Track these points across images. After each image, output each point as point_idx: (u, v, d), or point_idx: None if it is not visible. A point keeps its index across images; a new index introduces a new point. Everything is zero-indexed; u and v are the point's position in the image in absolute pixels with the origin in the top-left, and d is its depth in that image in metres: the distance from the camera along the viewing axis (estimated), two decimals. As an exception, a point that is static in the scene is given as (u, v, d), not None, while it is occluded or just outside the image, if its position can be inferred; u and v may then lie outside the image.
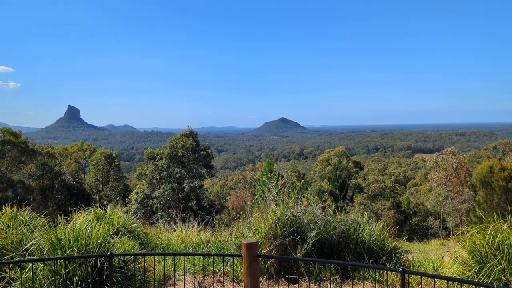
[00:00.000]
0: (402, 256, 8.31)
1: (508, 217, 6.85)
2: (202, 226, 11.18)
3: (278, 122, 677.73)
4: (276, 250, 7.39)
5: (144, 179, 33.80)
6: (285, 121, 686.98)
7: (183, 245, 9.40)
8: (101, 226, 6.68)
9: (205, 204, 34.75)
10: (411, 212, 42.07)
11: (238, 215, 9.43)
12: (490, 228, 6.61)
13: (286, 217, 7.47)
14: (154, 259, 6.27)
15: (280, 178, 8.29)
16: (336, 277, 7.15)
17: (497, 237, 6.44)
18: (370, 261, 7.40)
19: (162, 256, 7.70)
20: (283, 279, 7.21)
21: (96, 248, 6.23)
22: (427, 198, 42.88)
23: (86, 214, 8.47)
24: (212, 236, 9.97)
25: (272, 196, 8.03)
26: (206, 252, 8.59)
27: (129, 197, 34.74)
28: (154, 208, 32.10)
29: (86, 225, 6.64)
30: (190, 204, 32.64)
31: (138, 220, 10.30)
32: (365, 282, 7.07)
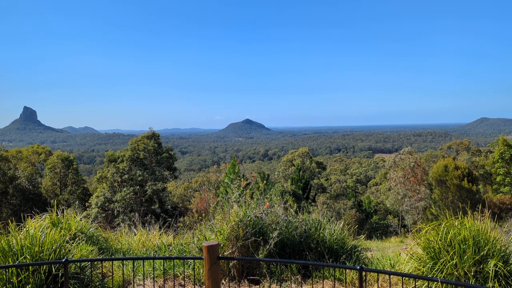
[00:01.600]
0: (362, 254, 8.52)
1: (460, 214, 7.18)
2: (164, 229, 11.02)
3: (243, 124, 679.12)
4: (238, 251, 7.40)
5: (104, 182, 32.89)
6: (250, 123, 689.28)
7: (144, 249, 9.22)
8: (57, 232, 6.45)
9: (169, 207, 34.24)
10: (371, 211, 43.25)
11: (200, 217, 9.36)
12: (443, 225, 6.89)
13: (249, 218, 7.49)
14: (113, 264, 6.11)
15: (242, 179, 8.31)
16: (298, 276, 7.24)
17: (449, 233, 6.72)
18: (331, 260, 7.54)
19: (122, 261, 7.52)
20: (246, 280, 7.22)
21: (51, 255, 6.01)
22: (387, 197, 44.24)
23: (41, 220, 8.15)
24: (174, 239, 9.84)
25: (235, 197, 8.04)
26: (167, 255, 8.46)
27: (89, 201, 33.67)
28: (115, 212, 31.29)
29: (41, 231, 6.39)
30: (153, 207, 32.05)
31: (98, 224, 10.01)
32: (326, 280, 7.20)
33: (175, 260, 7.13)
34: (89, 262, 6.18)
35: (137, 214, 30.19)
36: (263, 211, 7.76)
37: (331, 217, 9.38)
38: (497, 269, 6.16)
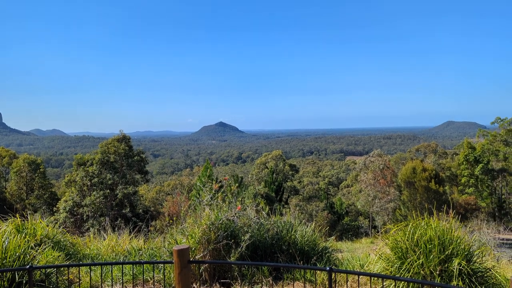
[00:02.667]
0: (332, 255, 8.63)
1: (426, 215, 7.38)
2: (135, 234, 10.83)
3: (216, 127, 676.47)
4: (210, 254, 7.36)
5: (73, 186, 32.08)
6: (223, 125, 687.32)
7: (114, 254, 9.04)
8: (21, 238, 6.24)
9: (140, 210, 33.73)
10: (343, 212, 43.92)
11: (171, 221, 9.26)
12: (410, 226, 7.06)
13: (220, 222, 7.46)
14: (80, 270, 5.96)
15: (214, 182, 8.28)
16: (269, 279, 7.26)
17: (416, 233, 6.89)
18: (302, 261, 7.61)
19: (89, 267, 7.34)
20: (217, 284, 7.19)
21: (14, 262, 5.80)
22: (358, 199, 45.05)
23: (5, 226, 7.86)
24: (144, 244, 9.69)
25: (206, 200, 8.00)
26: (137, 260, 8.32)
27: (57, 206, 32.76)
28: (84, 216, 30.56)
29: (4, 238, 6.16)
30: (123, 211, 31.49)
31: (66, 229, 9.74)
32: (297, 282, 7.25)
33: (145, 265, 7.02)
34: (55, 269, 6.00)
35: (107, 219, 29.57)
36: (235, 214, 7.75)
37: (304, 219, 9.47)
38: (461, 267, 6.35)
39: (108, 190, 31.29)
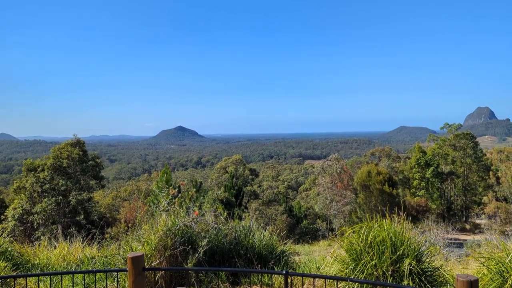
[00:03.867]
0: (290, 259, 8.73)
1: (379, 217, 7.62)
2: (89, 242, 10.46)
3: (175, 131, 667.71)
4: (166, 261, 7.24)
5: (23, 193, 30.55)
6: (182, 130, 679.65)
7: (65, 263, 8.69)
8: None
9: (95, 217, 32.62)
10: (302, 216, 44.50)
11: (126, 228, 9.04)
12: (364, 228, 7.26)
13: (177, 227, 7.36)
14: (27, 281, 5.68)
15: (171, 188, 8.16)
16: (227, 284, 7.23)
17: (369, 235, 7.09)
18: (259, 265, 7.63)
19: (38, 277, 7.01)
20: (174, 291, 7.08)
21: (-46, 275, 5.44)
22: (316, 202, 45.87)
23: None
24: (98, 252, 9.38)
25: (163, 206, 7.87)
26: (90, 269, 8.04)
27: (5, 214, 31.05)
28: (35, 224, 29.17)
29: None
30: (77, 218, 30.36)
31: (14, 239, 9.27)
32: (255, 286, 7.27)
33: (98, 274, 6.79)
34: (0, 280, 5.68)
35: (59, 226, 28.37)
36: (193, 219, 7.68)
37: (263, 223, 9.52)
38: (411, 267, 6.59)
39: (61, 197, 30.07)
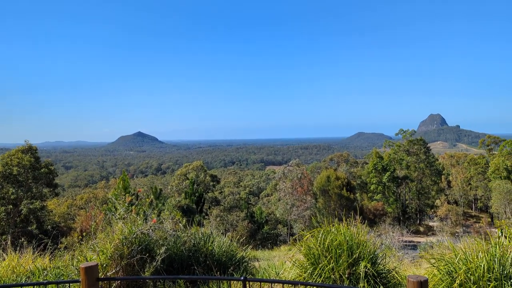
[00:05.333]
0: (250, 265, 8.74)
1: (335, 221, 7.80)
2: (40, 252, 10.00)
3: (134, 137, 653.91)
4: (123, 270, 7.05)
5: (-32, 203, 28.78)
6: (142, 136, 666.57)
7: (14, 276, 8.26)
8: None
9: (49, 227, 31.30)
10: (263, 221, 44.66)
11: (80, 237, 8.73)
12: (321, 232, 7.40)
13: (134, 236, 7.20)
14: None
15: (127, 195, 7.98)
16: (185, 292, 7.14)
17: (327, 239, 7.23)
18: (219, 272, 7.60)
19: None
20: (131, 301, 6.90)
21: None
22: (277, 207, 46.22)
23: None
24: (50, 262, 8.99)
25: (119, 214, 7.68)
26: (42, 281, 7.69)
27: None
28: (-19, 235, 27.53)
29: None
30: (29, 228, 28.98)
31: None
32: (214, 293, 7.22)
33: (48, 286, 6.51)
34: None
35: (9, 237, 26.95)
36: (150, 227, 7.54)
37: (224, 230, 9.50)
38: (366, 270, 6.78)
39: (11, 206, 28.62)
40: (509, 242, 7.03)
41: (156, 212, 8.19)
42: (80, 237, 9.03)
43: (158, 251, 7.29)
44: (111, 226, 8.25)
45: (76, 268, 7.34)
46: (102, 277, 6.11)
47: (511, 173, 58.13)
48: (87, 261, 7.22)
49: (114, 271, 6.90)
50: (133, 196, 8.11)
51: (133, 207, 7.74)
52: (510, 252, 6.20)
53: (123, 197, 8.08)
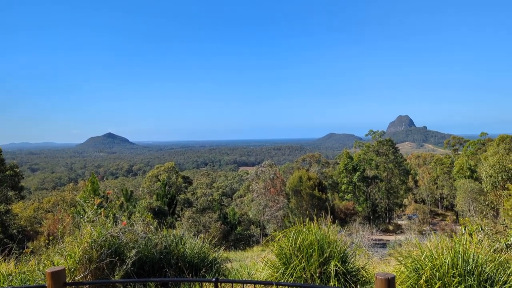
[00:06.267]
0: (222, 266, 8.73)
1: (307, 220, 7.90)
2: (5, 257, 9.65)
3: (104, 138, 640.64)
4: (92, 274, 6.91)
5: None
6: (112, 137, 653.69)
7: (-24, 283, 7.94)
8: None
9: (14, 231, 30.21)
10: (236, 222, 44.63)
11: (47, 241, 8.49)
12: (293, 232, 7.47)
13: (104, 239, 7.07)
14: None
15: (96, 197, 7.82)
16: (157, 295, 7.06)
17: (298, 239, 7.31)
18: (191, 274, 7.56)
19: None
20: (100, 305, 6.76)
21: None
22: (250, 208, 46.32)
23: None
24: (15, 268, 8.70)
25: (87, 216, 7.51)
26: (6, 286, 7.44)
27: None
28: None
29: None
30: (-7, 233, 27.87)
31: None
32: (186, 295, 7.17)
33: (14, 292, 6.32)
34: None
35: (-30, 243, 25.88)
36: (120, 229, 7.42)
37: (196, 231, 9.45)
38: (337, 268, 6.90)
39: (-27, 210, 27.48)
40: (472, 239, 7.32)
41: (126, 214, 8.06)
42: (47, 241, 8.78)
43: (128, 254, 7.18)
44: (79, 229, 8.07)
45: (42, 273, 7.14)
46: (69, 281, 5.98)
47: (474, 173, 60.35)
48: (54, 265, 7.04)
49: (82, 275, 6.75)
50: (103, 198, 7.94)
51: (102, 209, 7.59)
52: (473, 248, 6.45)
53: (92, 199, 7.90)
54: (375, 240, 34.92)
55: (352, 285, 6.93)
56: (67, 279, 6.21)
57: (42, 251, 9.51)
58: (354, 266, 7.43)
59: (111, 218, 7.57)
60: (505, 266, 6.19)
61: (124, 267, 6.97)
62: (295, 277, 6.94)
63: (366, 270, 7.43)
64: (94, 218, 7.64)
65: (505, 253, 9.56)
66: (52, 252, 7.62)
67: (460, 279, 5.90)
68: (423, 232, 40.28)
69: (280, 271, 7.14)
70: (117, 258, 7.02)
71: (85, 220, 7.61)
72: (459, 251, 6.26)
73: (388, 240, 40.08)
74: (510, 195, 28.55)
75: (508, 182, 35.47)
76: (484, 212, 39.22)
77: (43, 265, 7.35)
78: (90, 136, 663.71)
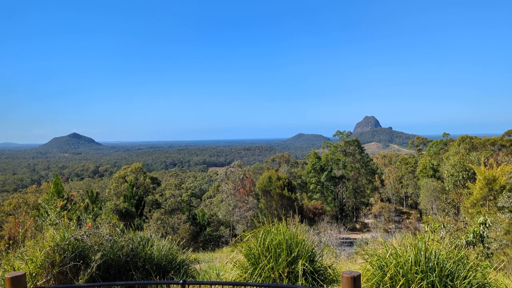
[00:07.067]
0: (191, 268, 8.65)
1: (275, 220, 7.94)
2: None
3: (69, 138, 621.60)
4: (55, 279, 6.69)
5: None
6: (77, 137, 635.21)
7: None
8: None
9: (-30, 236, 28.79)
10: (205, 223, 44.32)
11: (7, 245, 8.16)
12: (261, 232, 7.50)
13: (67, 242, 6.87)
14: None
15: (59, 199, 7.58)
16: (123, 298, 6.92)
17: (267, 239, 7.35)
18: (158, 276, 7.45)
19: None
20: (63, 311, 6.56)
21: None
22: (219, 209, 46.10)
23: None
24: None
25: (50, 219, 7.27)
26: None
27: None
28: None
29: None
30: None
31: None
32: (153, 298, 7.06)
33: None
34: None
35: None
36: (85, 232, 7.23)
37: (165, 233, 9.32)
38: (304, 268, 6.98)
39: None
40: (435, 236, 7.58)
41: (91, 216, 7.85)
42: (7, 245, 8.44)
43: (93, 257, 7.00)
44: (42, 232, 7.80)
45: (2, 279, 6.85)
46: (31, 287, 5.77)
47: (437, 172, 62.50)
48: (14, 270, 6.78)
49: (44, 280, 6.53)
50: (66, 201, 7.71)
51: (65, 212, 7.36)
52: (435, 245, 6.68)
53: (55, 201, 7.65)
54: (343, 238, 35.54)
55: (320, 283, 7.02)
56: (28, 284, 5.99)
57: (2, 256, 9.14)
58: (321, 265, 7.54)
59: (75, 220, 7.36)
60: (465, 261, 6.45)
61: (89, 270, 6.79)
62: (263, 277, 6.96)
63: (333, 269, 7.55)
64: (57, 221, 7.41)
65: (465, 250, 9.96)
66: (13, 257, 7.34)
67: (422, 275, 6.10)
68: (389, 230, 41.35)
69: (248, 271, 7.14)
70: (81, 261, 6.84)
71: (48, 223, 7.36)
72: (422, 249, 6.46)
73: (355, 239, 40.88)
74: (470, 194, 29.76)
75: (468, 181, 36.95)
76: (446, 210, 40.67)
77: (2, 270, 7.06)
78: (54, 137, 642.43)
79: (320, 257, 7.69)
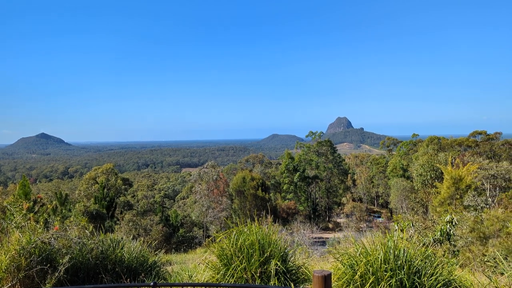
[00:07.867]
0: (162, 269, 8.55)
1: (248, 220, 7.95)
2: None
3: (37, 138, 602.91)
4: (20, 284, 6.48)
5: None
6: (46, 137, 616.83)
7: None
8: None
9: None
10: (178, 224, 43.93)
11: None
12: (234, 232, 7.48)
13: (33, 245, 6.66)
14: None
15: (25, 201, 7.35)
16: (92, 302, 6.77)
17: (240, 239, 7.34)
18: (129, 279, 7.33)
19: None
20: (29, 316, 6.36)
21: None
22: (193, 210, 45.79)
23: None
24: None
25: (15, 222, 7.04)
26: None
27: None
28: None
29: None
30: None
31: None
32: (124, 301, 6.94)
33: None
34: None
35: None
36: (52, 235, 7.03)
37: (136, 234, 9.16)
38: (277, 267, 7.01)
39: None
40: (404, 234, 7.77)
41: (59, 219, 7.65)
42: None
43: (61, 260, 6.82)
44: (7, 236, 7.54)
45: (-38, 285, 6.59)
46: (-6, 292, 5.57)
47: (406, 172, 64.08)
48: (-23, 276, 6.52)
49: (10, 284, 6.32)
50: (33, 203, 7.49)
51: (31, 214, 7.14)
52: (404, 243, 6.85)
53: (21, 204, 7.42)
54: (316, 238, 35.96)
55: (292, 283, 7.07)
56: (-9, 290, 5.77)
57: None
58: (294, 264, 7.59)
59: (42, 223, 7.15)
60: (432, 259, 6.64)
61: (56, 274, 6.61)
62: (236, 278, 6.95)
63: (306, 268, 7.61)
64: (23, 223, 7.18)
65: (433, 247, 10.27)
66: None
67: (391, 273, 6.23)
68: (360, 229, 42.10)
69: (221, 272, 7.12)
70: (48, 265, 6.65)
71: (13, 226, 7.12)
72: (391, 247, 6.61)
73: (328, 238, 41.40)
74: (438, 193, 30.69)
75: (436, 180, 38.09)
76: (415, 209, 41.78)
77: (-37, 276, 6.78)
78: (21, 137, 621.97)
79: (292, 256, 7.74)
